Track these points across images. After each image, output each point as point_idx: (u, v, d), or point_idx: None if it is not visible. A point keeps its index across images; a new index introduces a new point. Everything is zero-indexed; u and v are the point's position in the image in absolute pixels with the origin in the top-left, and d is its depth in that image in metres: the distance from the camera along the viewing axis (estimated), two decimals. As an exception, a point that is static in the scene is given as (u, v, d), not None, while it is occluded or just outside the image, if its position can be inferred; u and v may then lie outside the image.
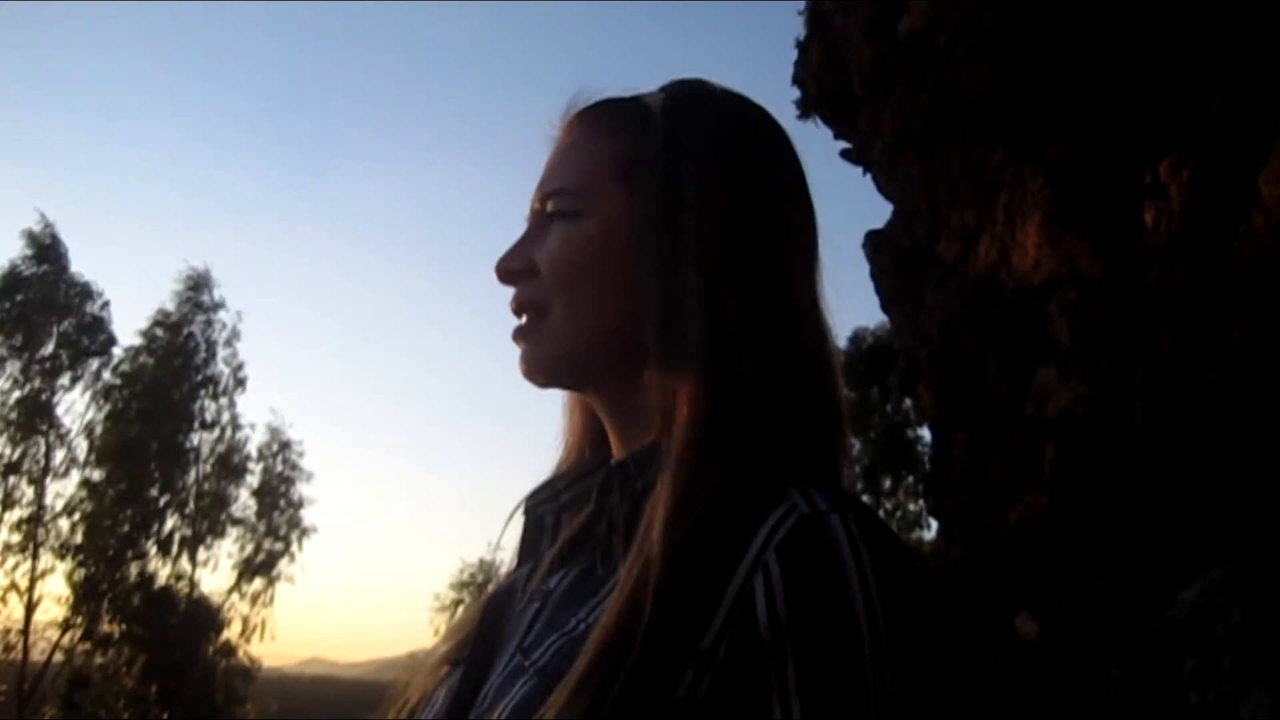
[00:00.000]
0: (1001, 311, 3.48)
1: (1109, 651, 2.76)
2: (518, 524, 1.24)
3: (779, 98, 4.69)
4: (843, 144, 4.39)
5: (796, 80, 4.59)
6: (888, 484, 27.45)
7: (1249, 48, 2.83)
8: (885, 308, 4.12)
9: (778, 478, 0.99)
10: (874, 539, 0.93)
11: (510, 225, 1.23)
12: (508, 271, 1.17)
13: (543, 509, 1.22)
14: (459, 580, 39.03)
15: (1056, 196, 3.23)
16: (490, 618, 1.16)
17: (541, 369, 1.15)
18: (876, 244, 4.09)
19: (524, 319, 1.17)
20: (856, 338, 27.07)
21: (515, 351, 1.17)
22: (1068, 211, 3.20)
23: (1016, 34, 3.34)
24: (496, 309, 1.19)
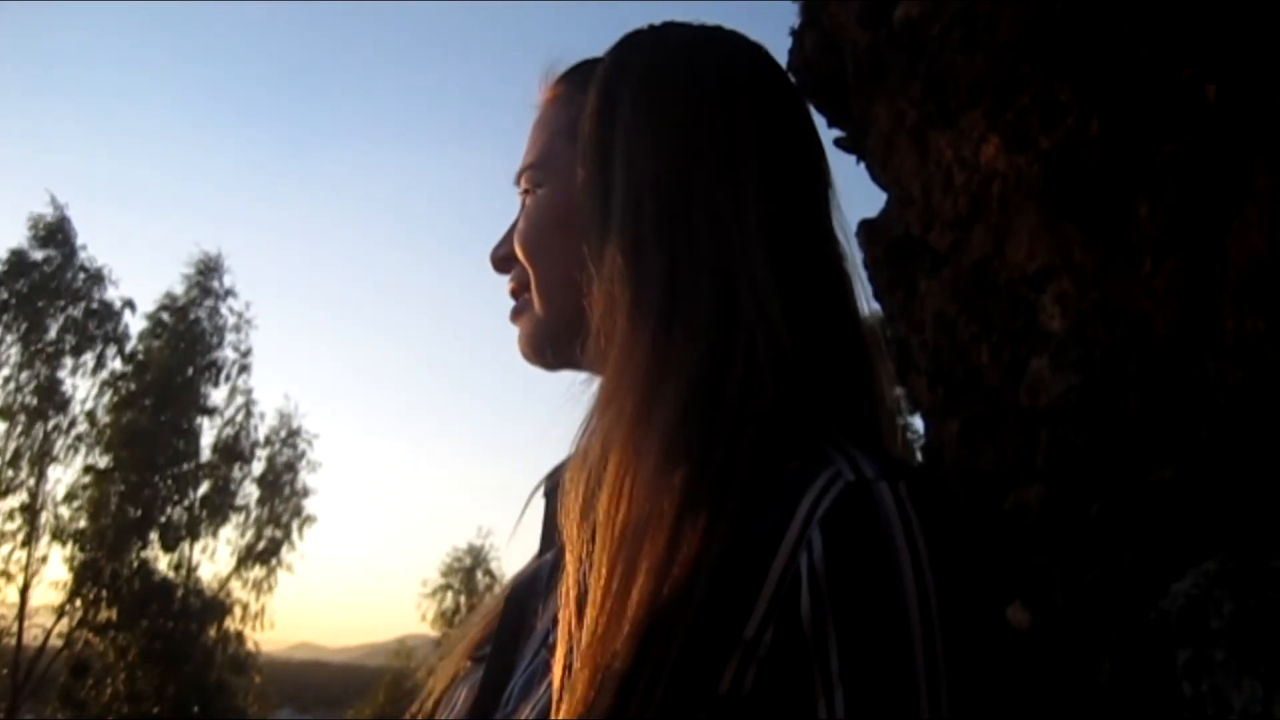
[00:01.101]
0: (995, 301, 3.47)
1: (1101, 642, 2.77)
2: (537, 507, 1.18)
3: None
4: (836, 132, 4.38)
5: (791, 68, 4.58)
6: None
7: (1245, 37, 2.83)
8: (878, 296, 4.11)
9: (817, 441, 0.91)
10: (929, 510, 0.86)
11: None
12: (499, 259, 1.14)
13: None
14: (448, 566, 39.03)
15: (1050, 186, 3.23)
16: (513, 610, 1.09)
17: (527, 348, 1.12)
18: (870, 233, 4.08)
19: (516, 302, 1.14)
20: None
21: (503, 338, 1.15)
22: (1062, 202, 3.19)
23: (1012, 23, 3.33)
24: (490, 296, 1.18)
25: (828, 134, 4.40)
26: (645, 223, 0.97)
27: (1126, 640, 2.69)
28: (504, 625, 1.07)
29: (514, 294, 1.13)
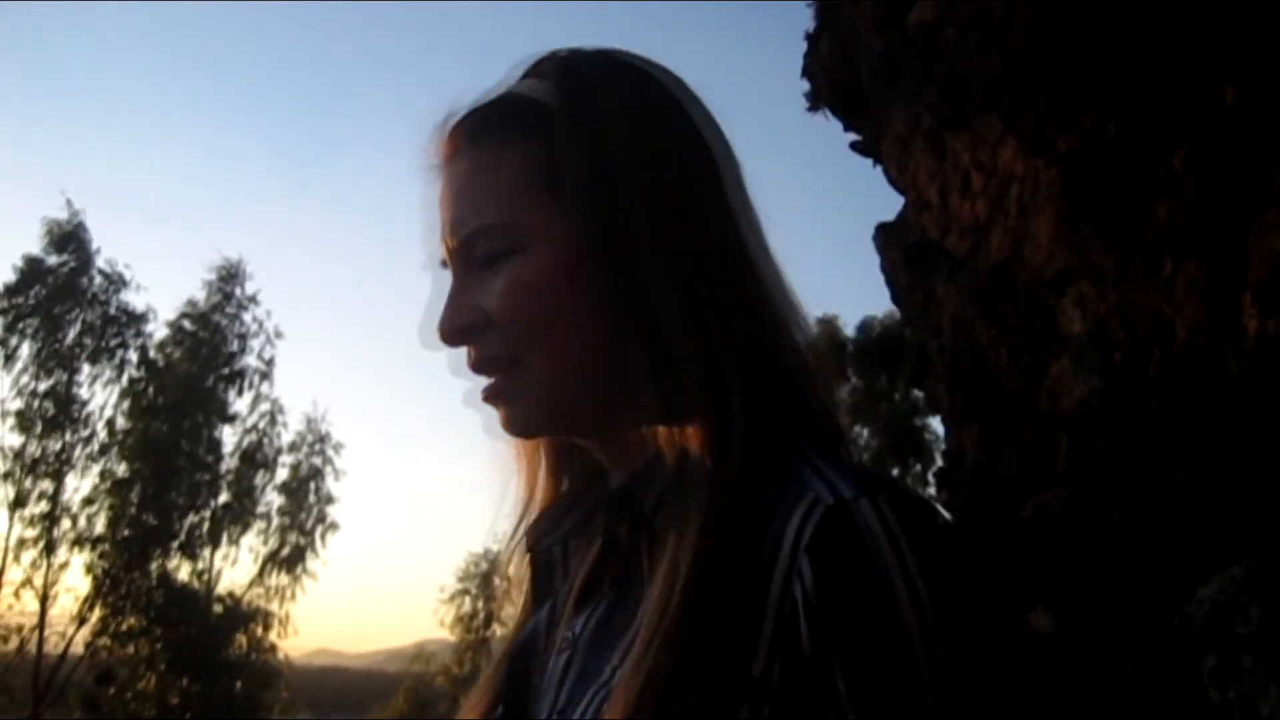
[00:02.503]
0: (1014, 305, 3.46)
1: (1125, 648, 2.75)
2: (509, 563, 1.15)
3: (789, 90, 4.64)
4: (853, 136, 4.37)
5: (806, 73, 4.57)
6: (896, 473, 27.49)
7: (1263, 37, 2.81)
8: (896, 300, 4.10)
9: (791, 464, 0.90)
10: (911, 521, 0.84)
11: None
12: (458, 331, 1.03)
13: (546, 541, 1.11)
14: (464, 571, 39.06)
15: (1069, 189, 3.21)
16: (517, 673, 1.06)
17: (532, 425, 1.03)
18: (887, 236, 4.08)
19: (494, 378, 1.04)
20: (865, 326, 27.07)
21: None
22: (1080, 204, 3.18)
23: (1027, 26, 3.32)
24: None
25: (843, 138, 4.39)
26: (687, 281, 0.95)
27: (1151, 646, 2.67)
28: (511, 690, 1.04)
29: (482, 368, 1.04)
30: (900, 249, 3.99)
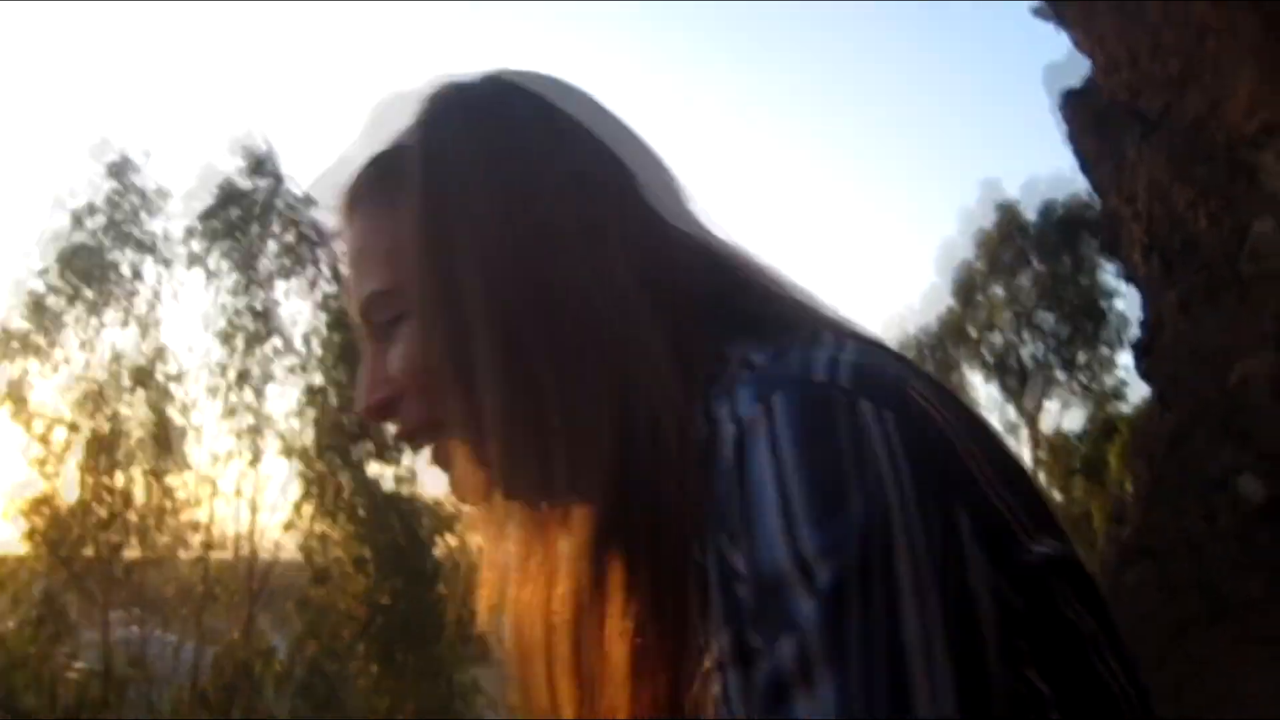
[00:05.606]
0: (1212, 165, 3.33)
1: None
2: None
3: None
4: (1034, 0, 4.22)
5: (981, -62, 4.42)
6: (1082, 358, 26.81)
7: None
8: (1086, 170, 3.98)
9: (719, 390, 0.90)
10: (798, 403, 0.82)
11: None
12: (373, 409, 1.02)
13: None
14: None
15: (1270, 39, 3.07)
16: None
17: (477, 488, 1.00)
18: (1074, 103, 3.94)
19: (431, 447, 1.02)
20: (1046, 210, 26.31)
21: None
22: (1284, 54, 3.03)
23: None
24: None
25: (1024, 3, 4.24)
26: (518, 324, 0.92)
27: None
28: None
29: (411, 439, 1.04)
30: (1088, 115, 3.86)
